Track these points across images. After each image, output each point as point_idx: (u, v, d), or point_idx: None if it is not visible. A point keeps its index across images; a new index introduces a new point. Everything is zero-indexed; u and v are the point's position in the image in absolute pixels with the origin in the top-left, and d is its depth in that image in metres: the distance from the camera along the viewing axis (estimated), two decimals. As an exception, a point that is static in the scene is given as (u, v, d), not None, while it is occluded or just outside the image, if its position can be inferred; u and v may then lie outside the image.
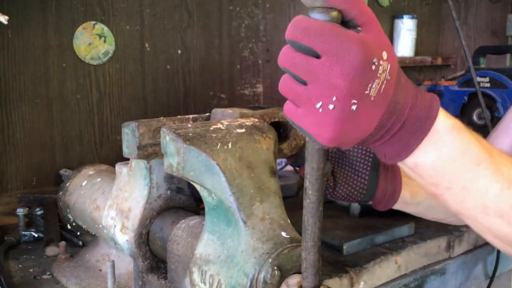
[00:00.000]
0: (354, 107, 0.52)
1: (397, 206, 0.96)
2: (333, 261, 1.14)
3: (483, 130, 1.81)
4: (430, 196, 0.96)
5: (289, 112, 0.55)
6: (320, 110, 0.52)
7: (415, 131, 0.59)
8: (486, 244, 1.40)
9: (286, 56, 0.54)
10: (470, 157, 0.62)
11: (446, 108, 2.05)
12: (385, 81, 0.54)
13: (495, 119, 1.76)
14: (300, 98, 0.53)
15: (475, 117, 1.88)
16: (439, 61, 2.77)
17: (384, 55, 0.54)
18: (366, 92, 0.53)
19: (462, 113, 1.90)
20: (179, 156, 0.78)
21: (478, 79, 1.75)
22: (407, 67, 2.68)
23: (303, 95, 0.53)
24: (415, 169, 0.63)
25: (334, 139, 0.53)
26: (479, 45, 2.54)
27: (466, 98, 1.87)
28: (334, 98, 0.51)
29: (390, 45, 0.56)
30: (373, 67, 0.52)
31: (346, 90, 0.51)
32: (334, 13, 0.52)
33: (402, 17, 2.61)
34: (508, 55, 2.69)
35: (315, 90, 0.52)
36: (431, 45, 2.91)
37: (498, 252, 1.38)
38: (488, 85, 1.79)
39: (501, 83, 1.76)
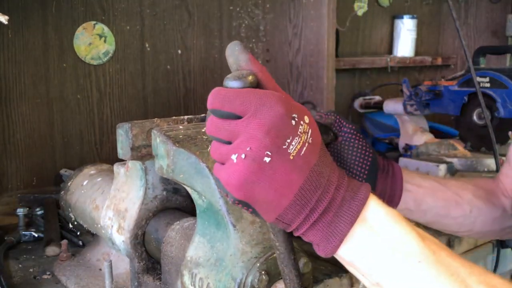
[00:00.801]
0: (267, 159, 0.52)
1: (403, 214, 0.93)
2: (333, 261, 1.14)
3: (483, 130, 1.82)
4: (438, 206, 0.92)
5: (215, 170, 0.56)
6: (235, 160, 0.53)
7: (343, 214, 0.55)
8: (486, 243, 1.40)
9: (211, 124, 0.56)
10: (408, 251, 0.55)
11: (446, 108, 2.03)
12: (306, 144, 0.54)
13: (495, 119, 1.76)
14: (222, 156, 0.55)
15: (475, 117, 1.88)
16: (439, 61, 2.77)
17: (306, 118, 0.55)
18: (283, 146, 0.52)
19: (462, 113, 1.90)
20: (169, 158, 0.78)
21: (478, 79, 1.75)
22: (407, 67, 2.68)
23: (224, 152, 0.54)
24: (353, 265, 0.58)
25: (241, 188, 0.53)
26: (479, 45, 2.54)
27: (466, 98, 1.86)
28: (248, 148, 0.52)
29: (312, 117, 0.56)
30: (293, 122, 0.53)
31: (260, 140, 0.52)
32: (250, 78, 0.55)
33: (402, 17, 2.61)
34: (508, 55, 2.69)
35: (235, 145, 0.53)
36: (431, 45, 2.91)
37: (498, 251, 1.39)
38: (488, 85, 1.79)
39: (501, 83, 1.76)
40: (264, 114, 0.52)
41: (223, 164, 0.55)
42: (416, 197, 0.91)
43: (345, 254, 0.57)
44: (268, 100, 0.53)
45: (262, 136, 0.52)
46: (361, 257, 0.56)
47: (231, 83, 0.55)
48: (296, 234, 0.58)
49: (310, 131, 0.55)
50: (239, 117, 0.54)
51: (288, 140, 0.53)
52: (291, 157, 0.53)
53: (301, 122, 0.54)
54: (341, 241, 0.56)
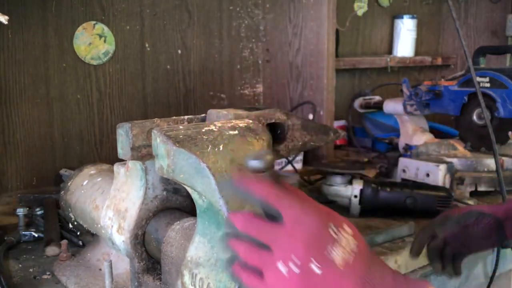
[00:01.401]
0: (315, 268, 0.53)
1: None
2: (333, 261, 1.14)
3: (483, 130, 1.81)
4: None
5: (251, 282, 0.56)
6: (283, 271, 0.54)
7: None
8: (486, 244, 1.39)
9: (251, 223, 0.57)
10: None
11: (446, 108, 2.02)
12: (352, 253, 0.55)
13: (495, 119, 1.76)
14: (264, 263, 0.55)
15: (475, 117, 1.88)
16: (439, 61, 2.77)
17: (346, 228, 0.56)
18: (325, 253, 0.54)
19: (462, 113, 1.90)
20: (169, 158, 0.78)
21: (478, 79, 1.75)
22: (407, 67, 2.68)
23: (266, 257, 0.55)
24: None
25: None
26: (479, 45, 2.54)
27: (466, 98, 1.86)
28: (293, 256, 0.54)
29: (354, 227, 0.58)
30: (331, 231, 0.55)
31: (303, 248, 0.53)
32: (268, 157, 0.58)
33: (402, 17, 2.61)
34: (508, 55, 2.69)
35: (277, 251, 0.55)
36: (431, 45, 2.91)
37: (498, 252, 1.38)
38: (488, 85, 1.79)
39: (501, 83, 1.76)
40: (304, 222, 0.54)
41: (259, 271, 0.55)
42: None
43: None
44: (309, 208, 0.56)
45: (305, 245, 0.53)
46: None
47: (253, 162, 0.58)
48: None
49: (355, 243, 0.56)
50: (281, 220, 0.55)
51: (329, 247, 0.54)
52: (341, 268, 0.54)
53: (341, 231, 0.56)
54: None
